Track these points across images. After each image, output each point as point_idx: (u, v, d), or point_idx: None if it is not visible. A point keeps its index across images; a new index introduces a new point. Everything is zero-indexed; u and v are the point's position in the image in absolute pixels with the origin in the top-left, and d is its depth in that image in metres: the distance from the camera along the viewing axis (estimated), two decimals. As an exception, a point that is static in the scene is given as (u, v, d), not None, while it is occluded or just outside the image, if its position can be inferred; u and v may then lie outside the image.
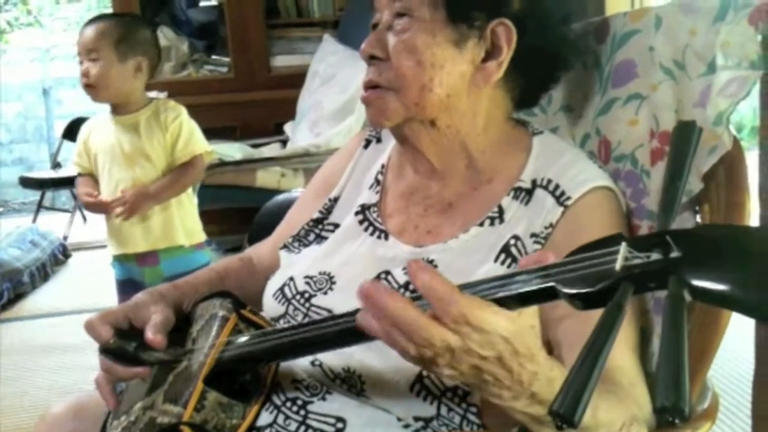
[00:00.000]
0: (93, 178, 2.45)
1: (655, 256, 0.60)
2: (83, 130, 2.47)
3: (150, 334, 1.01)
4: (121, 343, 1.02)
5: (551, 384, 0.71)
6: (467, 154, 1.08)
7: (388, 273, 1.04)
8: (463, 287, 0.70)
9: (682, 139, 0.71)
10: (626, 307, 0.59)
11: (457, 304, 0.65)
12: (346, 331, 0.83)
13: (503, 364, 0.68)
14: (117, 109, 2.39)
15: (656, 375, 0.52)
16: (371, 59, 1.06)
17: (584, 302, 0.63)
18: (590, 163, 1.04)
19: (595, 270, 0.63)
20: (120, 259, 2.44)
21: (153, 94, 4.09)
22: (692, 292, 0.57)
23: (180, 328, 1.09)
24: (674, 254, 0.59)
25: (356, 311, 0.82)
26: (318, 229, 1.19)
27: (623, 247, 0.62)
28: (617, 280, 0.60)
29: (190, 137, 2.38)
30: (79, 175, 2.48)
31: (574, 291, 0.63)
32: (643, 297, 1.01)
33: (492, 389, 0.71)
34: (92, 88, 2.31)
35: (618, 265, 0.61)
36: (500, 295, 0.68)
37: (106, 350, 1.02)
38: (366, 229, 1.12)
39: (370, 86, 1.06)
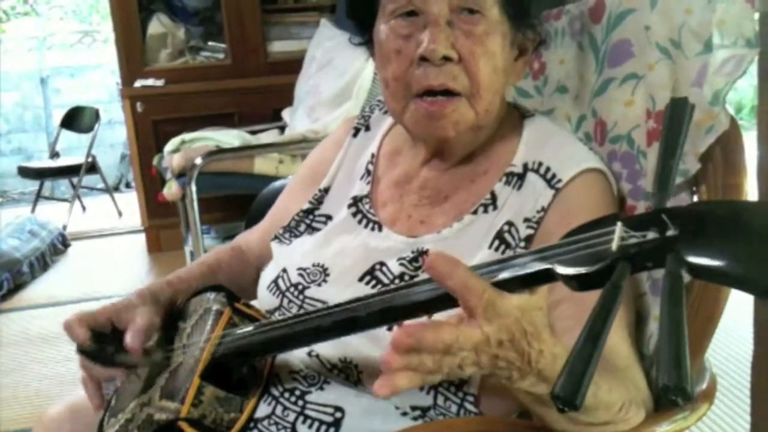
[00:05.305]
0: None
1: (651, 234, 0.60)
2: None
3: (128, 340, 0.99)
4: (98, 346, 1.01)
5: (555, 360, 0.70)
6: (472, 148, 1.07)
7: (382, 264, 1.03)
8: None
9: (675, 116, 0.70)
10: (624, 287, 0.58)
11: (488, 293, 0.65)
12: (340, 322, 0.83)
13: (515, 347, 0.67)
14: None
15: (657, 355, 0.51)
16: (441, 60, 0.95)
17: (581, 283, 0.63)
18: (581, 146, 1.03)
19: (592, 251, 0.63)
20: None
21: (150, 82, 4.12)
22: (690, 270, 0.57)
23: (173, 324, 1.08)
24: (671, 232, 0.59)
25: (350, 301, 0.83)
26: (309, 219, 1.17)
27: (619, 227, 0.62)
28: (614, 260, 0.60)
29: None
30: None
31: (571, 272, 0.63)
32: (638, 280, 1.00)
33: (503, 373, 0.70)
34: None
35: (614, 245, 0.60)
36: (500, 278, 0.68)
37: (83, 351, 1.01)
38: (360, 222, 1.11)
39: (440, 92, 0.97)
